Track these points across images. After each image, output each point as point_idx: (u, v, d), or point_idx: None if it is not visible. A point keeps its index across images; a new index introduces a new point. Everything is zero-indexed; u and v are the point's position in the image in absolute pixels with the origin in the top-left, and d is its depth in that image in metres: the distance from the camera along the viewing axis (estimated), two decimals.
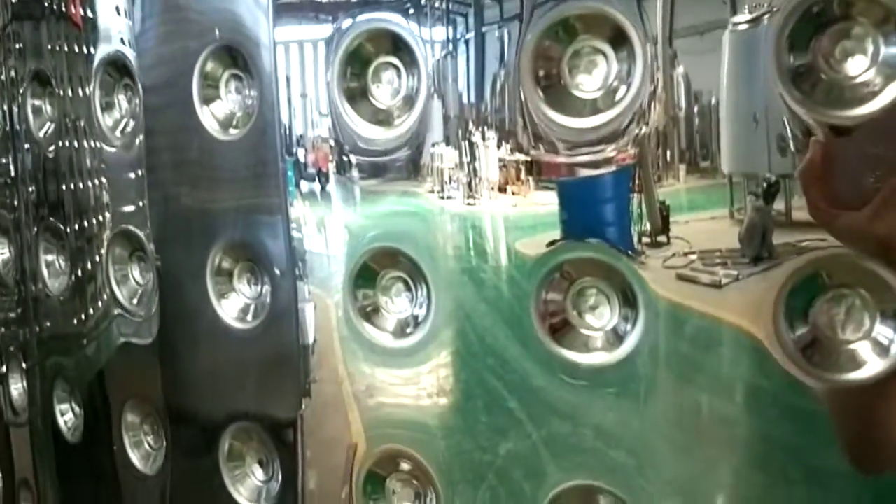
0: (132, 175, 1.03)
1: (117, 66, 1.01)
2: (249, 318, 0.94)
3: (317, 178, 0.88)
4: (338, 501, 0.89)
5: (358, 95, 0.83)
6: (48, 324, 1.20)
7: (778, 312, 0.69)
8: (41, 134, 1.15)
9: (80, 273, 1.12)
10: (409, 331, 0.85)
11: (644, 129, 0.72)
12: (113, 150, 1.04)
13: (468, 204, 0.80)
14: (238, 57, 0.89)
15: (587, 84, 0.73)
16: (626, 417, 0.76)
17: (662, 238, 0.72)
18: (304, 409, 0.92)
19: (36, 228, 1.19)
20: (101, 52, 1.02)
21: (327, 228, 0.89)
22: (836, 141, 0.63)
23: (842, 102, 0.67)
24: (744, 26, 0.69)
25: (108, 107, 1.03)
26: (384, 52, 0.82)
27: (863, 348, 0.69)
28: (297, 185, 0.89)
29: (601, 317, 0.76)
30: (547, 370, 0.78)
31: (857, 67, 0.66)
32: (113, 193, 1.06)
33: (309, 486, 0.93)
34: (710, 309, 0.72)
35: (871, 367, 0.69)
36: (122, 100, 1.02)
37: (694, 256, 0.71)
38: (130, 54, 0.99)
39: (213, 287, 0.94)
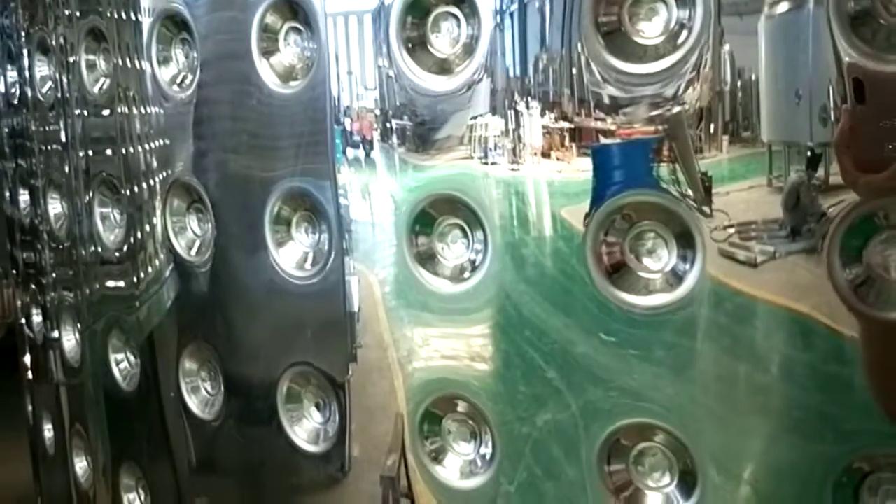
0: (188, 129, 1.06)
1: (175, 21, 1.03)
2: (308, 265, 0.97)
3: (361, 146, 0.91)
4: (384, 469, 0.92)
5: (417, 45, 0.85)
6: (104, 276, 1.23)
7: (833, 251, 0.72)
8: (95, 90, 1.18)
9: (135, 226, 1.15)
10: (466, 275, 0.88)
11: (677, 108, 0.75)
12: (170, 105, 1.07)
13: (512, 169, 0.83)
14: (298, 10, 0.91)
15: (648, 31, 0.75)
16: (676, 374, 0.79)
17: (706, 209, 0.75)
18: (351, 375, 0.95)
19: (90, 186, 1.22)
20: (157, 6, 1.04)
21: (372, 195, 0.92)
22: (858, 114, 0.69)
23: None
24: (784, 6, 0.72)
25: (165, 61, 1.06)
26: (444, 1, 0.83)
27: None
28: (344, 153, 0.92)
29: (659, 259, 0.78)
30: (593, 333, 0.81)
31: None
32: (169, 146, 1.09)
33: (354, 453, 0.96)
34: (747, 287, 0.76)
35: None
36: (179, 54, 1.05)
37: (732, 230, 0.74)
38: (187, 9, 1.02)
39: (271, 235, 0.97)
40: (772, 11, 0.72)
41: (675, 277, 0.77)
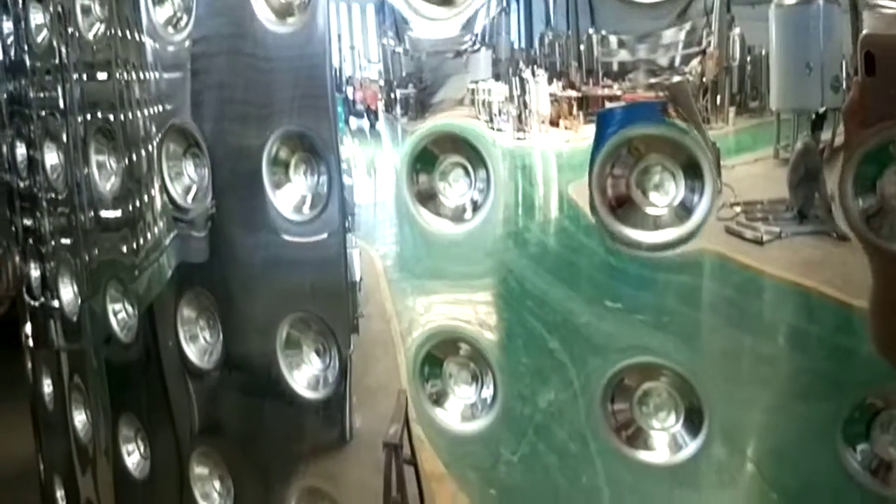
0: (185, 72, 1.03)
1: None
2: (306, 209, 0.95)
3: (366, 116, 0.89)
4: (386, 436, 0.90)
5: None
6: (100, 227, 1.22)
7: (846, 179, 0.70)
8: (90, 35, 1.16)
9: (131, 174, 1.13)
10: (467, 216, 0.86)
11: (677, 78, 0.74)
12: (164, 48, 1.04)
13: (518, 139, 0.81)
14: None
15: None
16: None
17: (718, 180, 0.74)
18: (353, 350, 0.94)
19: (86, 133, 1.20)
20: None
21: (376, 171, 0.90)
22: (868, 85, 0.70)
23: None
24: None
25: (159, 1, 1.03)
26: None
27: None
28: (347, 122, 0.89)
29: (666, 193, 0.76)
30: (597, 301, 0.79)
31: None
32: (164, 91, 1.06)
33: (356, 424, 0.95)
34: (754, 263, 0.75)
35: None
36: None
37: (738, 209, 0.73)
38: None
39: (269, 177, 0.95)
40: (781, 1, 0.71)
41: (684, 210, 0.75)
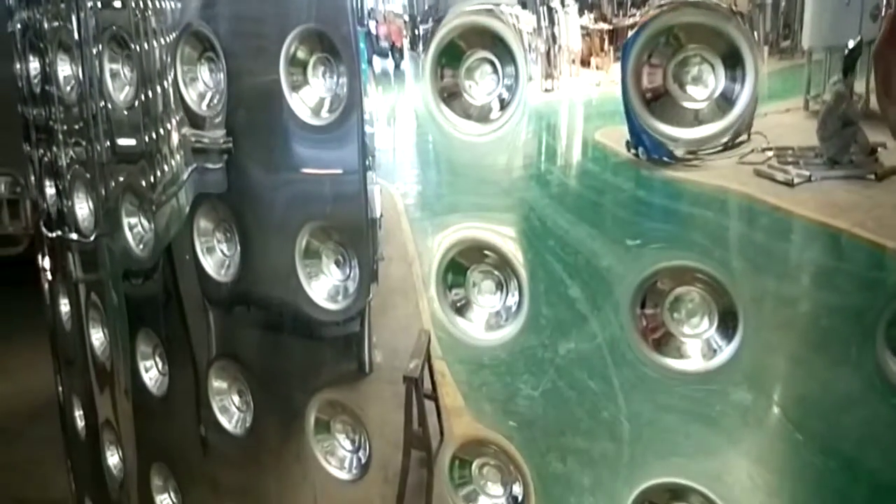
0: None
1: None
2: (325, 112, 0.91)
3: (390, 55, 0.85)
4: (406, 370, 0.89)
5: None
6: (115, 141, 1.19)
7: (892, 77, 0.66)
8: None
9: (145, 82, 1.09)
10: (494, 116, 0.82)
11: None
12: None
13: (546, 90, 0.77)
14: None
15: None
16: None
17: None
18: (372, 298, 0.91)
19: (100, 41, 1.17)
20: None
21: (397, 114, 0.87)
22: None
23: None
24: None
25: None
26: None
27: None
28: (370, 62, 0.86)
29: (706, 86, 0.72)
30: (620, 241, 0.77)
31: None
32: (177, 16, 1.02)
33: (377, 359, 0.93)
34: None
35: None
36: None
37: (770, 153, 0.71)
38: None
39: (287, 79, 0.92)
40: None
41: (726, 102, 0.71)
